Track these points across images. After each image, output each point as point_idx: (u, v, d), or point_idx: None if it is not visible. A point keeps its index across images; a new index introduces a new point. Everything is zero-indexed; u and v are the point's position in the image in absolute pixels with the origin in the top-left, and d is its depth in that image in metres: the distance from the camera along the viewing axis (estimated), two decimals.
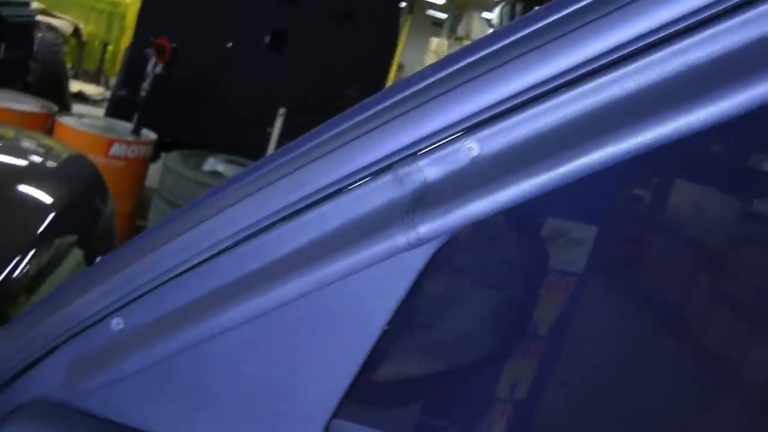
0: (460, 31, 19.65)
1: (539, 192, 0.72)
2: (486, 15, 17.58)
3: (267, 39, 6.94)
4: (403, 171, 0.79)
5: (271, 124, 5.93)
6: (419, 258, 0.79)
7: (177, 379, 0.96)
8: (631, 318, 1.00)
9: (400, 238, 0.77)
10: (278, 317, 0.87)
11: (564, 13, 0.73)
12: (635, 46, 0.71)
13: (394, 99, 0.81)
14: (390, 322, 0.83)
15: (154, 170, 6.23)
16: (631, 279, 1.01)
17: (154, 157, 6.24)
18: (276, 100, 6.14)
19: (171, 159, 5.96)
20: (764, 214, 0.98)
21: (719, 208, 0.98)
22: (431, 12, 25.42)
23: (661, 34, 0.70)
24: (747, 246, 1.00)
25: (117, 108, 6.71)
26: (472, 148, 0.77)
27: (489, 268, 1.04)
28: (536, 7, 0.75)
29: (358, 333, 0.84)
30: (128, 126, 5.86)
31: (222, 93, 6.80)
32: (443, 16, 24.96)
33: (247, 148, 6.02)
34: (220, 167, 5.91)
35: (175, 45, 5.99)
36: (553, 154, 0.72)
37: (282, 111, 5.85)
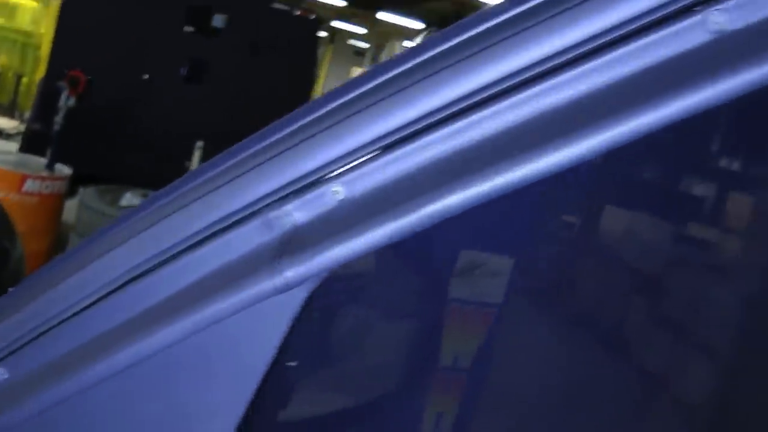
0: (383, 60, 19.85)
1: (406, 233, 0.73)
2: (407, 44, 17.80)
3: (184, 71, 6.90)
4: (272, 215, 0.80)
5: (189, 157, 5.88)
6: (295, 300, 0.79)
7: (64, 427, 0.95)
8: (536, 352, 1.02)
9: (268, 283, 0.77)
10: (162, 362, 0.86)
11: (422, 58, 0.75)
12: (499, 88, 0.73)
13: (264, 143, 0.82)
14: (289, 360, 0.84)
15: (72, 206, 6.10)
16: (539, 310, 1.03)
17: (72, 193, 6.10)
18: (194, 133, 6.09)
19: (88, 194, 5.85)
20: (676, 237, 1.00)
21: (608, 234, 1.01)
22: (353, 41, 25.63)
23: (526, 75, 0.72)
24: (650, 272, 1.02)
25: (31, 142, 6.55)
26: (337, 191, 0.78)
27: (395, 302, 1.05)
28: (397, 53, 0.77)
29: (241, 376, 0.84)
30: (42, 161, 5.73)
31: (139, 126, 6.70)
32: (365, 45, 25.18)
33: (166, 182, 5.91)
34: (137, 202, 5.81)
35: (90, 77, 5.89)
36: (419, 195, 0.73)
37: (200, 144, 5.81)
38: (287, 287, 0.77)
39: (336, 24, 22.68)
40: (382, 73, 0.76)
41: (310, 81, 7.88)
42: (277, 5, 8.22)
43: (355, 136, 0.77)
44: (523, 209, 0.85)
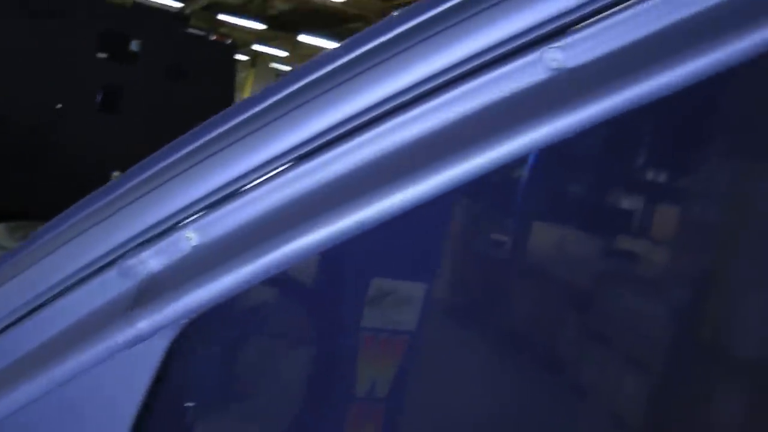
0: None
1: (261, 276, 0.73)
2: None
3: (98, 98, 6.77)
4: (129, 263, 0.79)
5: None
6: (155, 349, 0.78)
7: None
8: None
9: (123, 334, 0.76)
10: (28, 417, 0.84)
11: (264, 104, 0.75)
12: (340, 131, 0.74)
13: (123, 189, 0.81)
14: (160, 408, 0.82)
15: None
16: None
17: None
18: (110, 163, 5.97)
19: None
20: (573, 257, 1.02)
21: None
22: (275, 65, 25.56)
23: (364, 119, 0.73)
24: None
25: None
26: (190, 237, 0.77)
27: (265, 344, 1.04)
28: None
29: (108, 428, 0.82)
30: None
31: (53, 157, 6.53)
32: (288, 68, 25.16)
33: None
34: None
35: None
36: (271, 237, 0.73)
37: (116, 174, 5.70)
38: (140, 338, 0.76)
39: (257, 47, 22.60)
40: (230, 118, 0.77)
41: (228, 106, 7.82)
42: (192, 30, 8.15)
43: (207, 180, 0.77)
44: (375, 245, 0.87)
